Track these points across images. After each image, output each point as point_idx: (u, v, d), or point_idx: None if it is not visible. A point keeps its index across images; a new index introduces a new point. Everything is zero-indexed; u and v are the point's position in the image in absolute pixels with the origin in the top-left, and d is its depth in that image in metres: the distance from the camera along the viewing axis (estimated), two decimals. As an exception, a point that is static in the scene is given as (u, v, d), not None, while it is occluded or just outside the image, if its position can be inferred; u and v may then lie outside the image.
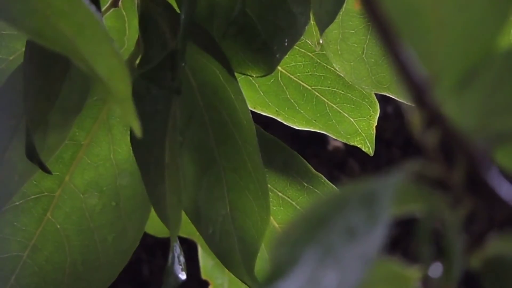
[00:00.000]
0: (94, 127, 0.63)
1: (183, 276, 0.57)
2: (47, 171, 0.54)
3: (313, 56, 0.69)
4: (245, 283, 0.60)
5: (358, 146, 0.70)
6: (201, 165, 0.60)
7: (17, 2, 0.38)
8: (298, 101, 0.70)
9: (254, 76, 0.61)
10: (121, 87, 0.36)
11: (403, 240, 1.27)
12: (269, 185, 0.62)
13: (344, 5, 0.64)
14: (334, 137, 0.71)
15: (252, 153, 0.59)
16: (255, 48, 0.60)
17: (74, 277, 0.63)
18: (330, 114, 0.70)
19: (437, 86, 0.29)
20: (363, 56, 0.68)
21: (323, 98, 0.70)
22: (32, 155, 0.51)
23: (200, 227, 0.60)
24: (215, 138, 0.59)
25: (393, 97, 0.69)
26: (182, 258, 0.58)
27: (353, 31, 0.67)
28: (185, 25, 0.53)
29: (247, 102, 0.60)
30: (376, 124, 0.70)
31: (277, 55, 0.60)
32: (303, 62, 0.69)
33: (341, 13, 0.66)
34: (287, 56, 0.62)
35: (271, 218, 0.65)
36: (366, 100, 0.70)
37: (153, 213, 0.62)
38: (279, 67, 0.68)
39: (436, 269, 0.30)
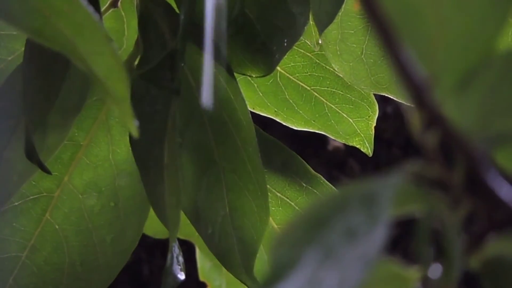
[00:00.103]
0: (93, 128, 0.63)
1: (182, 276, 0.57)
2: (46, 171, 0.54)
3: (312, 57, 0.69)
4: (244, 284, 0.60)
5: (357, 146, 0.70)
6: (200, 166, 0.59)
7: (17, 1, 0.38)
8: (297, 102, 0.70)
9: (253, 76, 0.61)
10: (119, 87, 0.36)
11: (402, 241, 1.27)
12: (268, 186, 0.62)
13: (343, 5, 0.64)
14: (333, 138, 0.71)
15: (251, 153, 0.59)
16: (254, 48, 0.60)
17: (73, 278, 0.63)
18: (329, 114, 0.70)
19: (436, 87, 0.29)
20: (362, 56, 0.68)
21: (322, 99, 0.70)
22: (32, 155, 0.51)
23: (199, 228, 0.60)
24: (215, 139, 0.59)
25: (392, 97, 0.69)
26: (181, 259, 0.58)
27: (352, 32, 0.67)
28: (185, 25, 0.53)
29: (246, 102, 0.60)
30: (375, 124, 0.70)
31: (276, 56, 0.60)
32: (302, 63, 0.69)
33: (340, 13, 0.66)
34: (286, 56, 0.62)
35: (270, 218, 0.65)
36: (365, 100, 0.70)
37: (151, 214, 0.62)
38: (278, 68, 0.68)
39: (435, 270, 0.30)
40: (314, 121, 0.70)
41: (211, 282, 0.78)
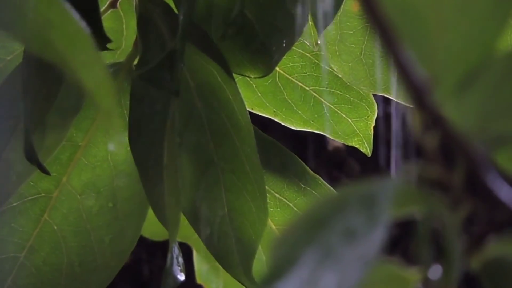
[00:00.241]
0: (91, 128, 0.63)
1: (181, 277, 0.57)
2: (45, 172, 0.54)
3: (311, 57, 0.69)
4: (243, 284, 0.60)
5: (356, 146, 0.71)
6: (199, 166, 0.59)
7: (9, 9, 0.38)
8: (295, 102, 0.70)
9: (252, 77, 0.61)
10: (106, 101, 0.37)
11: (402, 241, 1.27)
12: (266, 187, 0.62)
13: (342, 6, 0.64)
14: (332, 138, 0.71)
15: (250, 154, 0.59)
16: (253, 49, 0.60)
17: (71, 278, 0.63)
18: (327, 114, 0.70)
19: (437, 88, 0.29)
20: (361, 57, 0.68)
21: (321, 99, 0.70)
22: (31, 156, 0.51)
23: (198, 228, 0.60)
24: (213, 139, 0.59)
25: (391, 98, 0.69)
26: (180, 259, 0.58)
27: (351, 32, 0.67)
28: (184, 25, 0.53)
29: (245, 102, 0.60)
30: (374, 124, 0.70)
31: (275, 56, 0.60)
32: (301, 63, 0.69)
33: (339, 14, 0.66)
34: (285, 56, 0.62)
35: (269, 219, 0.65)
36: (364, 100, 0.70)
37: (149, 215, 0.62)
38: (277, 68, 0.68)
39: (435, 271, 0.30)
40: (313, 121, 0.70)
41: (209, 284, 0.78)
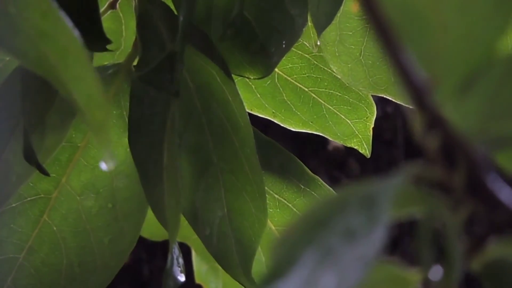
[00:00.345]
0: (91, 129, 0.63)
1: (182, 278, 0.57)
2: (45, 173, 0.54)
3: (310, 58, 0.69)
4: (242, 285, 0.60)
5: (355, 147, 0.71)
6: (198, 167, 0.59)
7: (2, 20, 0.37)
8: (294, 103, 0.70)
9: (252, 78, 0.61)
10: (98, 115, 0.36)
11: (402, 241, 1.27)
12: (266, 187, 0.62)
13: (342, 6, 0.64)
14: (331, 139, 0.71)
15: (249, 155, 0.59)
16: (252, 50, 0.60)
17: (71, 279, 0.63)
18: (327, 115, 0.70)
19: (437, 89, 0.29)
20: (361, 58, 0.68)
21: (320, 100, 0.70)
22: (30, 157, 0.51)
23: (197, 229, 0.60)
24: (213, 140, 0.59)
25: (390, 99, 0.69)
26: (181, 260, 0.58)
27: (351, 33, 0.67)
28: (184, 27, 0.53)
29: (244, 104, 0.60)
30: (373, 125, 0.70)
31: (275, 57, 0.60)
32: (300, 64, 0.69)
33: (338, 14, 0.66)
34: (284, 57, 0.62)
35: (268, 220, 0.65)
36: (363, 102, 0.70)
37: (148, 215, 0.62)
38: (276, 69, 0.68)
39: (436, 272, 0.30)
40: (312, 122, 0.70)
41: (208, 284, 0.78)
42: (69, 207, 0.63)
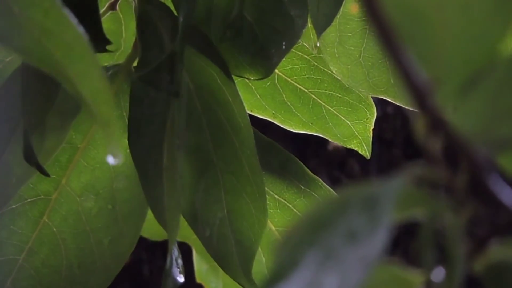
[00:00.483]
0: (91, 131, 0.63)
1: (181, 278, 0.57)
2: (45, 173, 0.54)
3: (310, 59, 0.69)
4: (242, 286, 0.60)
5: (355, 149, 0.71)
6: (198, 168, 0.59)
7: (6, 19, 0.37)
8: (294, 104, 0.70)
9: (252, 79, 0.61)
10: (105, 110, 0.36)
11: (402, 241, 1.27)
12: (266, 188, 0.62)
13: (342, 8, 0.64)
14: (331, 140, 0.71)
15: (249, 155, 0.59)
16: (252, 51, 0.60)
17: (71, 280, 0.63)
18: (326, 117, 0.70)
19: (439, 90, 0.29)
20: (360, 59, 0.68)
21: (320, 101, 0.70)
22: (30, 158, 0.51)
23: (197, 230, 0.60)
24: (213, 141, 0.59)
25: (390, 100, 0.69)
26: (180, 261, 0.58)
27: (351, 34, 0.67)
28: (183, 27, 0.53)
29: (244, 104, 0.60)
30: (372, 127, 0.70)
31: (275, 58, 0.60)
32: (300, 65, 0.69)
33: (338, 16, 0.66)
34: (284, 59, 0.62)
35: (268, 221, 0.65)
36: (363, 103, 0.70)
37: (148, 216, 0.62)
38: (276, 70, 0.68)
39: (438, 274, 0.30)
40: (312, 123, 0.70)
41: (208, 284, 0.78)
42: (69, 208, 0.63)
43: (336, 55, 0.67)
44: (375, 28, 0.29)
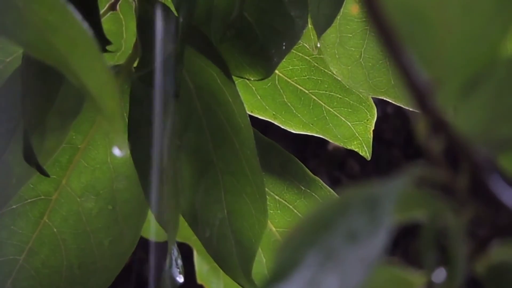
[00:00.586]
0: (91, 131, 0.63)
1: (180, 279, 0.57)
2: (45, 174, 0.54)
3: (311, 60, 0.69)
4: (242, 286, 0.60)
5: (355, 150, 0.71)
6: (198, 168, 0.59)
7: (10, 13, 0.38)
8: (295, 105, 0.70)
9: (252, 79, 0.61)
10: (110, 103, 0.36)
11: (402, 240, 1.27)
12: (266, 189, 0.62)
13: (342, 9, 0.64)
14: (331, 141, 0.71)
15: (249, 156, 0.59)
16: (252, 51, 0.60)
17: (71, 281, 0.63)
18: (327, 118, 0.70)
19: (440, 91, 0.29)
20: (361, 60, 0.68)
21: (320, 102, 0.70)
22: (30, 158, 0.51)
23: (197, 230, 0.60)
24: (213, 141, 0.59)
25: (390, 101, 0.69)
26: (179, 261, 0.58)
27: (351, 35, 0.67)
28: (184, 28, 0.53)
29: (245, 105, 0.60)
30: (373, 128, 0.70)
31: (275, 59, 0.60)
32: (301, 66, 0.69)
33: (338, 17, 0.66)
34: (284, 59, 0.62)
35: (268, 222, 0.65)
36: (363, 104, 0.70)
37: (148, 216, 0.62)
38: (276, 71, 0.68)
39: (439, 275, 0.30)
40: (312, 124, 0.70)
41: (209, 285, 0.78)
42: (69, 209, 0.63)
43: (337, 56, 0.67)
44: (375, 29, 0.29)
